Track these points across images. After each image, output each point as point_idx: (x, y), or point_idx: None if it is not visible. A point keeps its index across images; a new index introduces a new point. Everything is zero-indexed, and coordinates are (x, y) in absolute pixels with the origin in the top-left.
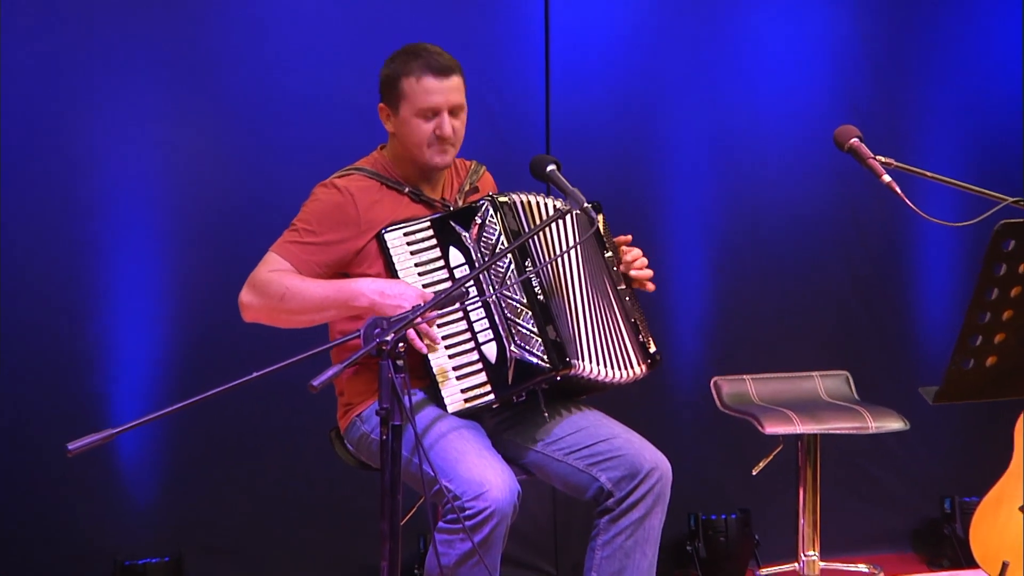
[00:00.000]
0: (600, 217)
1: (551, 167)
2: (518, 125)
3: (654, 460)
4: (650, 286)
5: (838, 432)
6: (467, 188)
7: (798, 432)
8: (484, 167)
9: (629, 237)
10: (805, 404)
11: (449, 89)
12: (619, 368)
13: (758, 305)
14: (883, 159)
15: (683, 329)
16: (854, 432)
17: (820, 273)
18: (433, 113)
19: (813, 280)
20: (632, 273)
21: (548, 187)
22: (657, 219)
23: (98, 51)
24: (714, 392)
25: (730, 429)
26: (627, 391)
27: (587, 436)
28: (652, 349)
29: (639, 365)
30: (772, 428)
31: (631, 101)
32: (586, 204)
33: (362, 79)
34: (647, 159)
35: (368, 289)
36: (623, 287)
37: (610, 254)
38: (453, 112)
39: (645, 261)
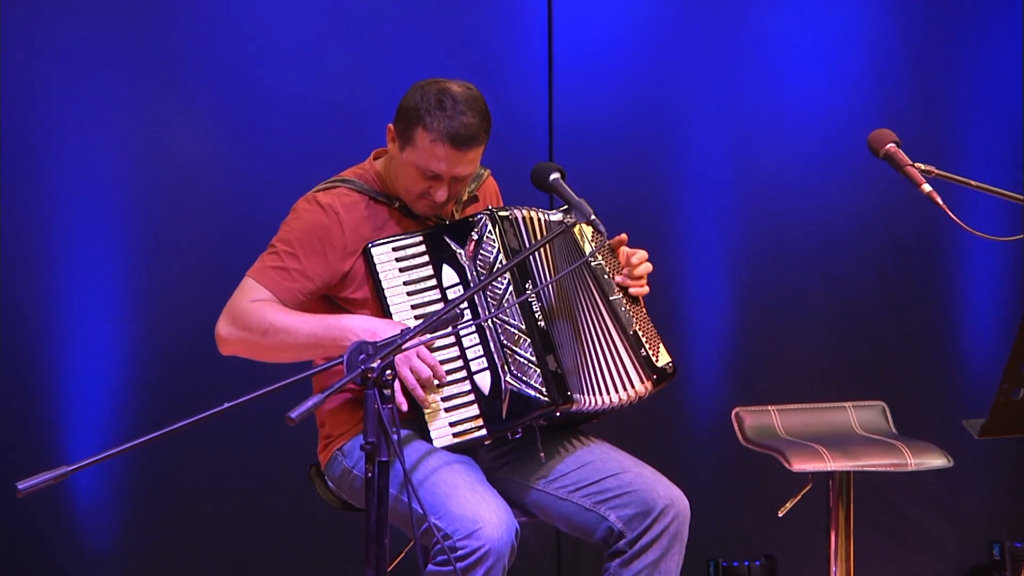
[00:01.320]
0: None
1: (554, 176)
2: (518, 129)
3: (669, 496)
4: (638, 291)
5: (874, 469)
6: (464, 198)
7: (829, 469)
8: (488, 172)
9: (624, 237)
10: (837, 438)
11: (462, 162)
12: (616, 391)
13: (784, 328)
14: (923, 166)
15: (701, 355)
16: (891, 469)
17: (853, 293)
18: (434, 176)
19: (845, 301)
20: (616, 279)
21: (551, 197)
22: (671, 233)
23: (51, 46)
24: (735, 424)
25: (753, 466)
26: (636, 422)
27: (594, 471)
28: (662, 362)
29: (642, 383)
30: (800, 465)
31: (642, 102)
32: (594, 216)
33: (349, 79)
34: (660, 166)
35: (359, 328)
36: (616, 296)
37: (599, 261)
38: (458, 179)
39: (645, 268)
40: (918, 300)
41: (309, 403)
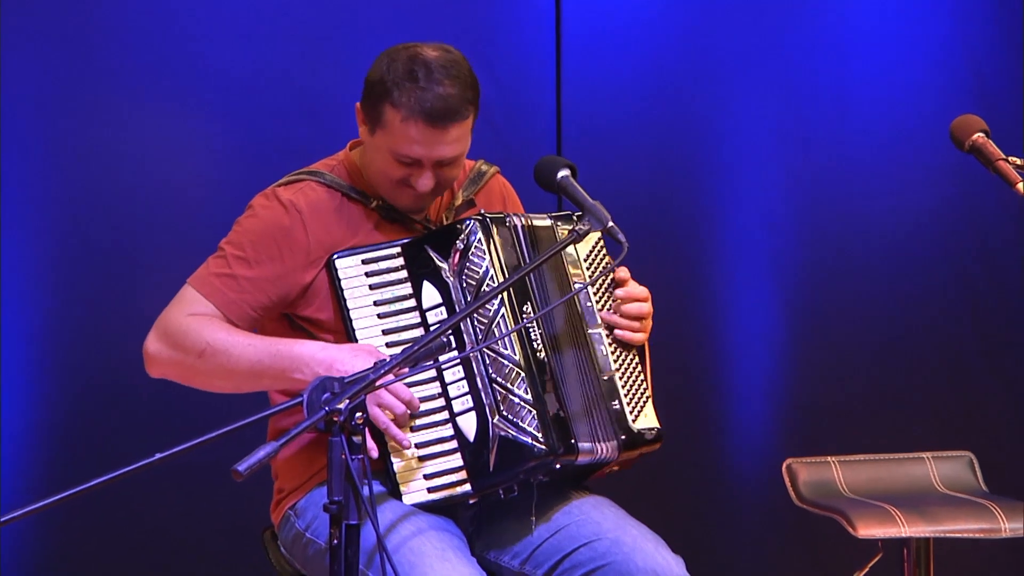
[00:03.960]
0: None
1: (563, 173)
2: (519, 117)
3: (651, 567)
4: (635, 337)
5: (959, 536)
6: (459, 203)
7: (904, 535)
8: (495, 169)
9: (624, 272)
10: (913, 497)
11: (442, 143)
12: (595, 441)
13: (847, 361)
14: (1018, 161)
15: (744, 393)
16: (981, 536)
17: (932, 317)
18: (412, 161)
19: (923, 326)
20: (617, 334)
21: (559, 199)
22: (706, 242)
23: None
24: (787, 479)
25: (809, 530)
26: (663, 475)
27: (567, 539)
28: (641, 424)
29: (606, 440)
30: (867, 530)
31: (671, 81)
32: (611, 224)
33: (309, 54)
34: (693, 160)
35: (314, 358)
36: (596, 329)
37: (585, 284)
38: (443, 163)
39: (637, 308)
40: (1013, 326)
41: (260, 453)
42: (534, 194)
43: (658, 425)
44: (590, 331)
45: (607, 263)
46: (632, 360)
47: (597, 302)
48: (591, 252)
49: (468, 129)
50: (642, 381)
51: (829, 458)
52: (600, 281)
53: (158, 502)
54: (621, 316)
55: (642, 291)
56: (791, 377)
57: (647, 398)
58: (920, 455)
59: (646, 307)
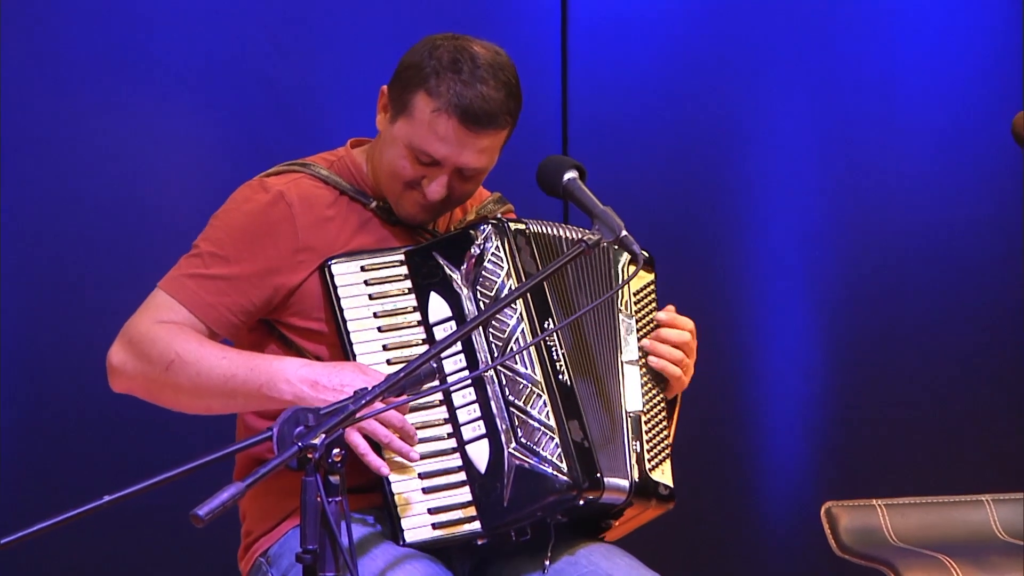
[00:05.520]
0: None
1: (570, 175)
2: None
3: None
4: (672, 369)
5: None
6: (471, 218)
7: None
8: (509, 206)
9: (671, 308)
10: (970, 545)
11: (470, 148)
12: (617, 478)
13: (894, 390)
14: None
15: (778, 427)
16: None
17: (991, 340)
18: (431, 161)
19: (981, 352)
20: (651, 360)
21: (565, 205)
22: (735, 254)
23: None
24: (826, 525)
25: None
26: (689, 522)
27: None
28: (655, 476)
29: (623, 478)
30: None
31: (693, 71)
32: (624, 233)
33: (277, 42)
34: (718, 162)
35: (295, 375)
36: (632, 366)
37: (627, 308)
38: (463, 174)
39: (680, 336)
40: None
41: (224, 495)
42: (536, 199)
43: (672, 485)
44: (625, 363)
45: (653, 307)
46: (661, 410)
47: (639, 337)
48: (641, 289)
49: (500, 143)
50: (666, 435)
51: (874, 501)
52: (633, 304)
53: (113, 550)
54: (660, 342)
55: (685, 320)
56: (830, 409)
57: (667, 455)
58: (978, 498)
59: (687, 336)
